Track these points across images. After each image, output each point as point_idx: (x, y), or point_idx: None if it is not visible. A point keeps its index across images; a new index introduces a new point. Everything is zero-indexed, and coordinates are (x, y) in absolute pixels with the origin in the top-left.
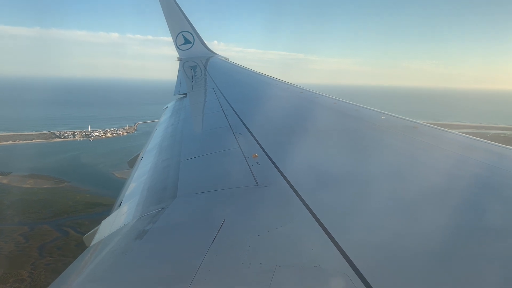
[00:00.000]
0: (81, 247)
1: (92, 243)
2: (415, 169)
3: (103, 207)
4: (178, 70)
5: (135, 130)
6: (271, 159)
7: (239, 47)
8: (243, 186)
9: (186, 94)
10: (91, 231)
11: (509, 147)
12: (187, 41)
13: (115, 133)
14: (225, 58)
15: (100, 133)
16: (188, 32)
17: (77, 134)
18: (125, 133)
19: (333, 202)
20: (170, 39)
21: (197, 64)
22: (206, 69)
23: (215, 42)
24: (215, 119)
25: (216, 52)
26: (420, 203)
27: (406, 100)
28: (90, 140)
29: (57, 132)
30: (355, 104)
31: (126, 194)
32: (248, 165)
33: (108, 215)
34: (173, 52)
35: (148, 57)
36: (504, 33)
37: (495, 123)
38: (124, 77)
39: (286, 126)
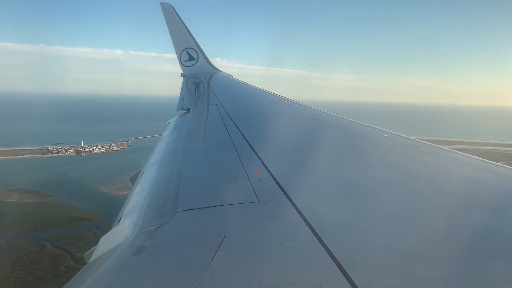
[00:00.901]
0: (53, 261)
1: (90, 260)
2: (419, 189)
3: (84, 222)
4: (182, 86)
5: (128, 145)
6: (273, 176)
7: (242, 63)
8: (244, 202)
9: (189, 109)
10: (91, 248)
11: None
12: (191, 58)
13: (107, 148)
14: (228, 74)
15: (93, 149)
16: (193, 49)
17: (70, 149)
18: (118, 149)
19: (335, 220)
20: (173, 56)
21: (201, 80)
22: (209, 85)
23: (218, 59)
24: (217, 134)
25: (220, 69)
26: (425, 223)
27: (407, 117)
28: (81, 155)
29: (50, 148)
30: (357, 122)
31: (125, 210)
32: (250, 181)
33: (88, 229)
34: (176, 69)
35: (151, 74)
36: (507, 49)
37: (491, 139)
38: (126, 93)
39: (288, 143)
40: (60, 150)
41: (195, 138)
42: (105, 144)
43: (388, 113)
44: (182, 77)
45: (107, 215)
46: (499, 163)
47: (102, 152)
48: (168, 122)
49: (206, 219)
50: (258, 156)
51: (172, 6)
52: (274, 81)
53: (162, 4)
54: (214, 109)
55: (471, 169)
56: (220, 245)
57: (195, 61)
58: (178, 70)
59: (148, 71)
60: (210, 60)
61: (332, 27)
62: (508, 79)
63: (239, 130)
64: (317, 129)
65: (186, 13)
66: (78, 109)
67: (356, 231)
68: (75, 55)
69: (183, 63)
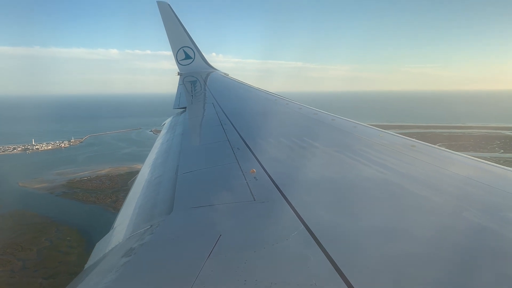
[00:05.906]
0: None
1: (86, 266)
2: (413, 188)
3: None
4: (178, 85)
5: (80, 142)
6: (268, 175)
7: (238, 58)
8: (240, 201)
9: (185, 108)
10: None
11: (508, 168)
12: (188, 57)
13: (57, 146)
14: (225, 73)
15: (41, 146)
16: (189, 47)
17: (18, 147)
18: (67, 145)
19: (330, 219)
20: (168, 53)
21: (197, 79)
22: (206, 84)
23: (214, 54)
24: (213, 133)
25: (216, 65)
26: (419, 222)
27: (408, 104)
28: (27, 153)
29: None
30: (353, 121)
31: (120, 214)
32: (246, 180)
33: None
34: (172, 66)
35: (147, 72)
36: (504, 33)
37: (492, 123)
38: (122, 92)
39: (284, 142)
40: (8, 149)
41: (191, 137)
42: (56, 142)
43: (386, 101)
44: (178, 76)
45: (7, 204)
46: (493, 163)
47: (49, 149)
48: (163, 123)
49: (202, 218)
50: (254, 155)
51: (169, 5)
52: (270, 74)
53: (159, 3)
54: (211, 108)
55: (466, 168)
56: (216, 243)
57: (192, 60)
58: (174, 67)
59: (145, 69)
60: (205, 55)
61: (326, 17)
62: (506, 63)
63: (236, 129)
64: (313, 128)
65: (181, 9)
66: (66, 110)
67: (351, 230)
68: (70, 56)
69: (179, 61)
